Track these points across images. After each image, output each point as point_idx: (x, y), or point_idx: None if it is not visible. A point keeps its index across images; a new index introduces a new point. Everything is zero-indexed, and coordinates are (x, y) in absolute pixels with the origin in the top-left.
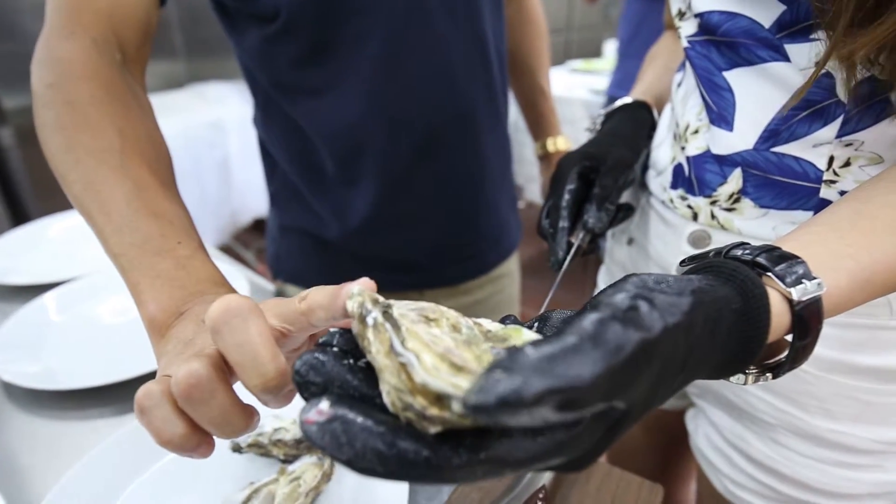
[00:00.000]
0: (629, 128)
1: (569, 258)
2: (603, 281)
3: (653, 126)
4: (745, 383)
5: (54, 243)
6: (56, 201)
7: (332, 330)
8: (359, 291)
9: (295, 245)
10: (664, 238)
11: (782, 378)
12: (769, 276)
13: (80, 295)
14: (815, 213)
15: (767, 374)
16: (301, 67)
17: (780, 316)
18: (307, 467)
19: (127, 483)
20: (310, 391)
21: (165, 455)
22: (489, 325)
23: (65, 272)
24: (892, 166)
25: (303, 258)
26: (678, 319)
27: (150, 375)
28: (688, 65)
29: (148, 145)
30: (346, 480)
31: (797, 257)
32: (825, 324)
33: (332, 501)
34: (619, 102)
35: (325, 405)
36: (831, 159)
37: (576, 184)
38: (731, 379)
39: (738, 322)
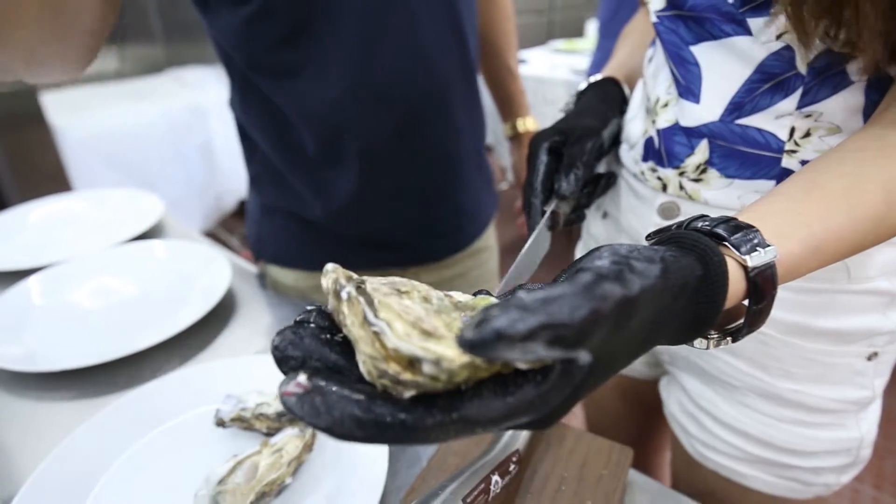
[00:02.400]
0: (597, 101)
1: (542, 223)
2: (581, 254)
3: (623, 100)
4: (707, 348)
5: (35, 229)
6: (34, 187)
7: (308, 308)
8: (332, 269)
9: (277, 226)
10: (636, 210)
11: (747, 342)
12: (726, 246)
13: (62, 279)
14: (777, 183)
15: (727, 339)
16: (279, 48)
17: (736, 282)
18: (289, 439)
19: (112, 459)
20: (289, 365)
21: (149, 432)
22: (459, 296)
23: (46, 257)
24: (846, 139)
25: (286, 238)
26: (652, 282)
27: (132, 357)
28: (657, 40)
29: None
30: (327, 451)
31: (752, 227)
32: (786, 289)
33: (313, 471)
34: (590, 80)
35: (302, 378)
36: (792, 130)
37: (547, 157)
38: (695, 343)
39: (701, 288)
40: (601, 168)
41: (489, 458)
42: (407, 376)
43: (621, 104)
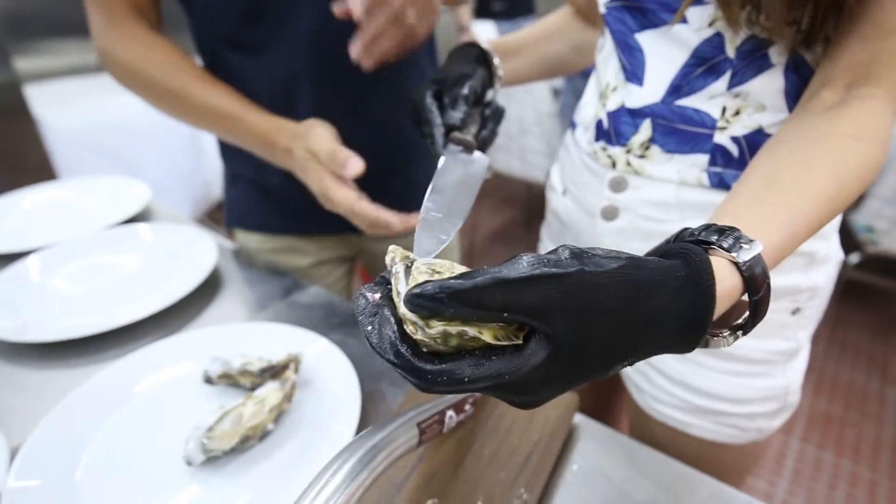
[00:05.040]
0: (464, 59)
1: (448, 150)
2: (545, 233)
3: (486, 59)
4: (719, 346)
5: (25, 215)
6: (21, 178)
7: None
8: (392, 249)
9: (242, 192)
10: (590, 186)
11: None
12: (714, 248)
13: (56, 259)
14: (709, 156)
15: (738, 333)
16: (245, 23)
17: (729, 279)
18: (271, 391)
19: (106, 417)
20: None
21: (141, 392)
22: None
23: (37, 241)
24: (783, 126)
25: (250, 204)
26: (602, 270)
27: (123, 330)
28: (607, 30)
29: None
30: (306, 401)
31: (732, 227)
32: None
33: (292, 419)
34: (457, 44)
35: (377, 295)
36: (724, 109)
37: (433, 100)
38: (710, 344)
39: (685, 287)
40: (490, 103)
41: (447, 398)
42: (418, 336)
43: (482, 61)
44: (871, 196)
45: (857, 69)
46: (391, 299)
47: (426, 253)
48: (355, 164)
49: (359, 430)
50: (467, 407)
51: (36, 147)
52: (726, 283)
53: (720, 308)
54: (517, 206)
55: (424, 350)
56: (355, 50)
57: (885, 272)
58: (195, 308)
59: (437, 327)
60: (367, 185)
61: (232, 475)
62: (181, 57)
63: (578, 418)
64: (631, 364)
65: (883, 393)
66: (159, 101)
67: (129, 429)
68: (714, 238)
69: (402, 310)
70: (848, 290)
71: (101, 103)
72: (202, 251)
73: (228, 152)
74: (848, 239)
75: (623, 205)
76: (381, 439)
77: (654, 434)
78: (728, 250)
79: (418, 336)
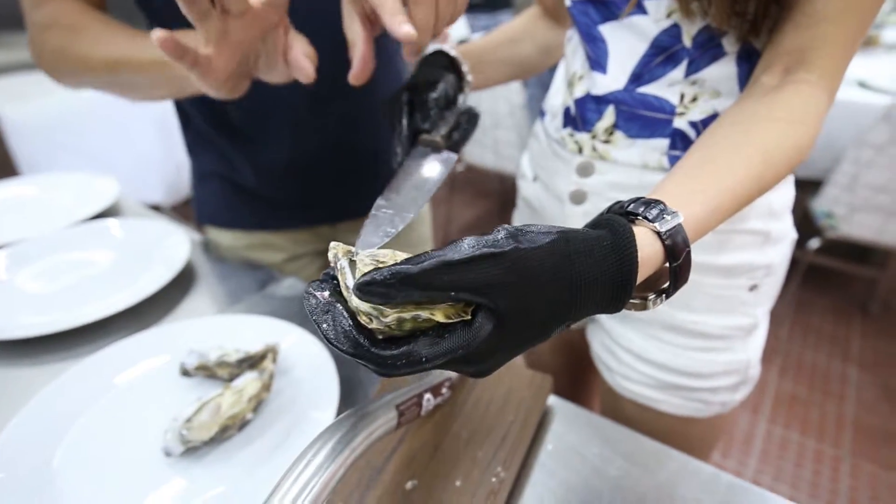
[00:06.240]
0: (432, 67)
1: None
2: (517, 220)
3: (454, 65)
4: (645, 308)
5: None
6: None
7: (323, 273)
8: (333, 246)
9: (213, 189)
10: (559, 171)
11: None
12: (639, 219)
13: (22, 256)
14: (670, 140)
15: (661, 296)
16: None
17: (651, 246)
18: (249, 381)
19: (81, 412)
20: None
21: (116, 386)
22: None
23: (4, 238)
24: (725, 114)
25: (221, 201)
26: (535, 246)
27: (97, 325)
28: (574, 22)
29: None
30: (285, 390)
31: (657, 200)
32: None
33: (271, 408)
34: (425, 52)
35: (326, 293)
36: (682, 95)
37: (405, 105)
38: (632, 306)
39: (610, 254)
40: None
41: (425, 381)
42: (371, 325)
43: (451, 68)
44: (830, 183)
45: (792, 55)
46: (340, 294)
47: (368, 247)
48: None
49: (337, 416)
50: (444, 390)
51: None
52: (647, 249)
53: (643, 272)
54: (491, 198)
55: (380, 337)
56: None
57: (845, 256)
58: (169, 303)
59: (392, 315)
60: (341, 177)
61: (212, 465)
62: (110, 25)
63: (553, 400)
64: (568, 326)
65: (844, 373)
66: (96, 79)
67: (106, 422)
68: (641, 210)
69: (355, 302)
70: (809, 275)
71: (65, 97)
72: (174, 245)
73: (196, 148)
74: (808, 224)
75: (590, 189)
76: (361, 421)
77: (625, 412)
78: (652, 221)
79: (373, 325)
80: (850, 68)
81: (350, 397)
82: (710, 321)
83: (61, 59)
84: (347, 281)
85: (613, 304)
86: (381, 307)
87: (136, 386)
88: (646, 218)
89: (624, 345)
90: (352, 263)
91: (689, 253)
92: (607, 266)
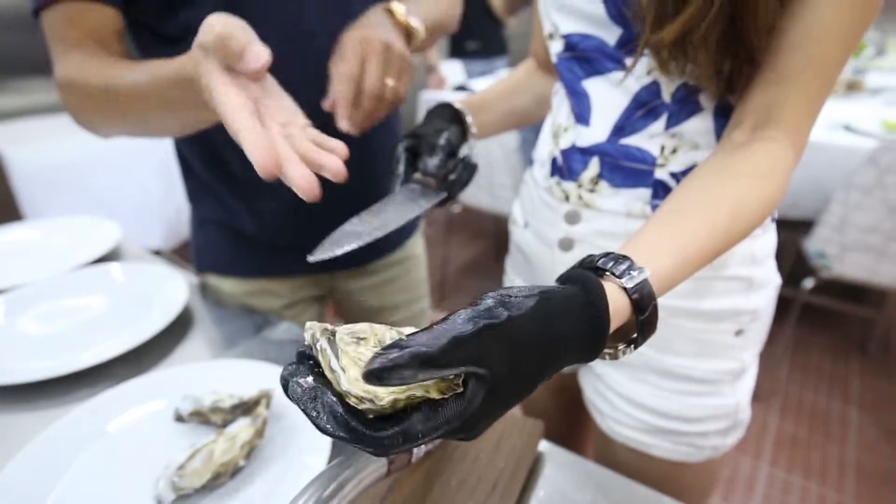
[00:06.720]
0: (438, 119)
1: (398, 180)
2: (509, 265)
3: (459, 118)
4: (616, 357)
5: None
6: None
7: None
8: (309, 326)
9: (213, 237)
10: (548, 219)
11: None
12: (607, 275)
13: (22, 301)
14: (652, 189)
15: (630, 346)
16: None
17: (619, 301)
18: (242, 427)
19: (75, 456)
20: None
21: (110, 432)
22: (409, 331)
23: (4, 282)
24: (700, 165)
25: (221, 248)
26: (522, 312)
27: (92, 370)
28: (559, 77)
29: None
30: (277, 436)
31: (625, 256)
32: None
33: (264, 454)
34: (434, 105)
35: (310, 379)
36: (662, 147)
37: (406, 153)
38: (606, 356)
39: (585, 310)
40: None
41: None
42: (361, 406)
43: (456, 120)
44: (821, 224)
45: (759, 112)
46: (323, 376)
47: (321, 254)
48: (257, 54)
49: (329, 462)
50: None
51: (1, 186)
52: (616, 304)
53: (613, 324)
54: (487, 239)
55: (371, 417)
56: (345, 125)
57: (842, 296)
58: (166, 347)
59: (388, 398)
60: (340, 225)
61: None
62: (117, 58)
63: (545, 446)
64: (549, 379)
65: (845, 414)
66: (97, 107)
67: (98, 468)
68: (609, 265)
69: (345, 386)
70: (806, 314)
71: (67, 141)
72: (173, 290)
73: (196, 195)
74: (803, 264)
75: (578, 236)
76: (351, 469)
77: (617, 457)
78: (619, 277)
79: (363, 407)
80: (836, 112)
81: (342, 444)
82: (698, 365)
83: (69, 87)
84: (332, 364)
85: (589, 355)
86: (374, 390)
87: (130, 432)
88: (613, 274)
89: (615, 389)
90: (329, 342)
91: (655, 306)
92: (582, 322)
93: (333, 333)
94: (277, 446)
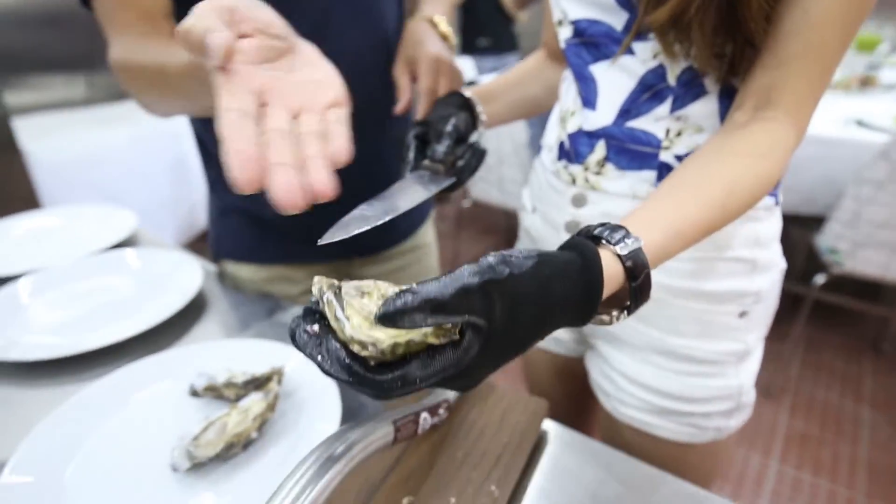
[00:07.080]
0: (445, 105)
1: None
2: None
3: (468, 104)
4: (610, 322)
5: (12, 242)
6: (6, 209)
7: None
8: (317, 280)
9: (233, 225)
10: (555, 202)
11: (646, 306)
12: (603, 243)
13: (44, 283)
14: (657, 172)
15: (624, 312)
16: None
17: (613, 267)
18: (254, 401)
19: (93, 428)
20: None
21: (128, 405)
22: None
23: (24, 266)
24: (702, 145)
25: (241, 236)
26: (523, 271)
27: (110, 349)
28: (567, 62)
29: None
30: (289, 411)
31: (620, 226)
32: (675, 259)
33: (275, 428)
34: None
35: (316, 326)
36: (668, 130)
37: (415, 140)
38: (602, 319)
39: (581, 274)
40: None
41: (424, 402)
42: (364, 353)
43: (466, 107)
44: (832, 219)
45: (760, 94)
46: (329, 327)
47: (329, 237)
48: (216, 46)
49: None
50: (441, 411)
51: (22, 179)
52: (611, 270)
53: (607, 290)
54: (498, 234)
55: (372, 363)
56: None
57: (855, 294)
58: (181, 328)
59: (388, 342)
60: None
61: (216, 481)
62: (168, 38)
63: (551, 425)
64: (542, 339)
65: (857, 412)
66: (151, 88)
67: (118, 437)
68: (605, 234)
69: (348, 332)
70: (818, 312)
71: (86, 136)
72: (188, 274)
73: (218, 185)
74: (814, 260)
75: (584, 219)
76: (359, 431)
77: (623, 438)
78: (614, 244)
79: (366, 353)
80: (849, 108)
81: (352, 419)
82: (701, 346)
83: (124, 69)
84: (338, 313)
85: (582, 318)
86: (376, 335)
87: (148, 405)
88: (608, 241)
89: (619, 369)
90: (336, 295)
91: (648, 274)
92: (578, 285)
93: (339, 288)
94: (289, 420)
